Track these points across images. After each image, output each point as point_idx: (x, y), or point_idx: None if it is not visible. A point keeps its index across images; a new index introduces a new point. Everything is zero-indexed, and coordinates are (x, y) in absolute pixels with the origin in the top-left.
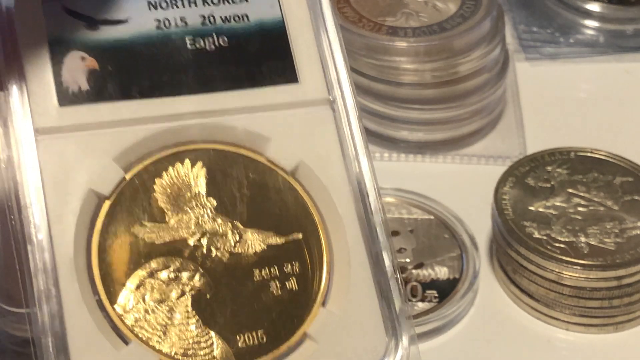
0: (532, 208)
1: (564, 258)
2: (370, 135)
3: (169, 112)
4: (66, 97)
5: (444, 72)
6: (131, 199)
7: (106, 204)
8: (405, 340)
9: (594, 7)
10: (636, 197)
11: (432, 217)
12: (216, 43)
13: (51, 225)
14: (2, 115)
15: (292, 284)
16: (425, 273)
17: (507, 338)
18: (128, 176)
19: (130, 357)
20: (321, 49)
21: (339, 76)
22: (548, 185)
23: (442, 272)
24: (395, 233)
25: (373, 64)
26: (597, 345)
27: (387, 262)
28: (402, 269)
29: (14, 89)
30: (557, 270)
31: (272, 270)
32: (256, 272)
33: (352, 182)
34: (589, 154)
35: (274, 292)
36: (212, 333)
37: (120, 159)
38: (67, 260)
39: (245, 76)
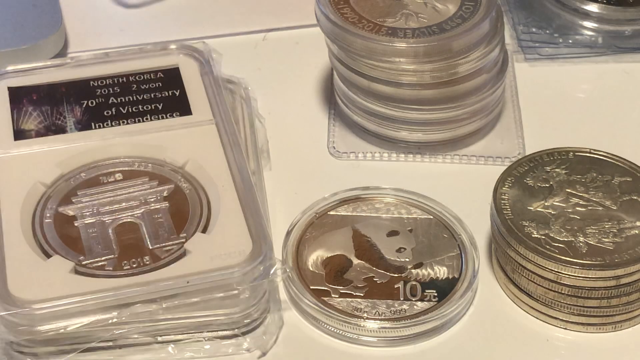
0: (531, 208)
1: (563, 258)
2: (370, 135)
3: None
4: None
5: (443, 73)
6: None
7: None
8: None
9: (593, 8)
10: (635, 197)
11: (431, 216)
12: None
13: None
14: None
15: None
16: (425, 272)
17: (506, 337)
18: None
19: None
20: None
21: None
22: (547, 185)
23: (441, 272)
24: (394, 233)
25: (372, 65)
26: (596, 344)
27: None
28: (402, 268)
29: None
30: (555, 269)
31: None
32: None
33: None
34: (587, 154)
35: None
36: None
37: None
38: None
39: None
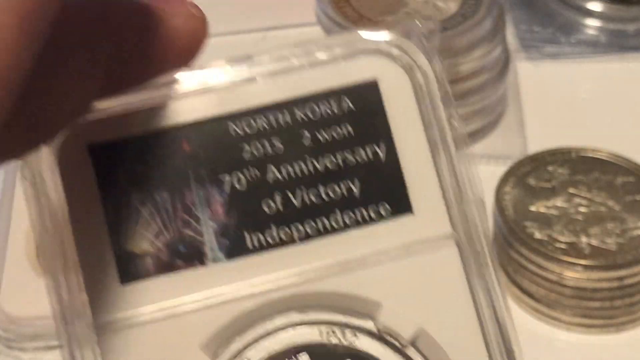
0: (533, 208)
1: (565, 259)
2: None
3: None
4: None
5: (444, 72)
6: None
7: None
8: None
9: (596, 7)
10: (638, 198)
11: None
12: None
13: None
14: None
15: None
16: None
17: None
18: None
19: None
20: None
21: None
22: (549, 185)
23: None
24: None
25: None
26: (599, 346)
27: None
28: None
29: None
30: (558, 270)
31: None
32: None
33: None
34: (590, 154)
35: None
36: None
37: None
38: None
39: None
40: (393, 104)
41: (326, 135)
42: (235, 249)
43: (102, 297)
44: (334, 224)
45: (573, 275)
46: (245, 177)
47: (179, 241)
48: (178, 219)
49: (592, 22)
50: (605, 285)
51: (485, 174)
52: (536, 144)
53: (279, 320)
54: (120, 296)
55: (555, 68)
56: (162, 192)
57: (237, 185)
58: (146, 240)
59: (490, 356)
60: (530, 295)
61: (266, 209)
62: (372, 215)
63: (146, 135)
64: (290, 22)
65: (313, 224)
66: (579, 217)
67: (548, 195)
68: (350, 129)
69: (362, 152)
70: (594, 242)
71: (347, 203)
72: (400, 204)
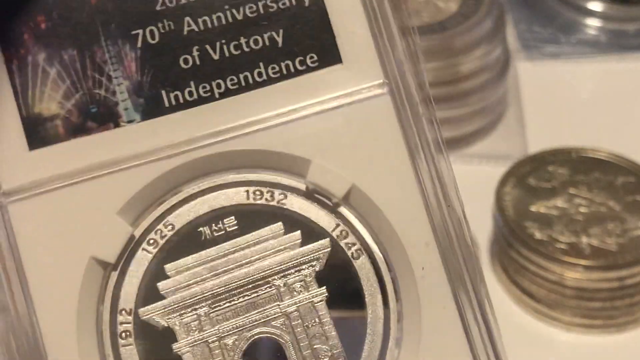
0: (533, 208)
1: (566, 259)
2: None
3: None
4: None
5: (444, 72)
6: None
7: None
8: None
9: (596, 6)
10: (638, 198)
11: None
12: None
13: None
14: None
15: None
16: None
17: (508, 339)
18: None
19: None
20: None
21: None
22: (549, 185)
23: None
24: None
25: None
26: (599, 346)
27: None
28: None
29: None
30: (558, 271)
31: None
32: None
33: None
34: (590, 154)
35: None
36: None
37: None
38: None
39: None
40: None
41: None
42: (151, 108)
43: (9, 164)
44: (257, 77)
45: (573, 276)
46: (159, 30)
47: (91, 102)
48: (88, 78)
49: (592, 22)
50: (605, 285)
51: (485, 174)
52: (536, 144)
53: (202, 183)
54: (29, 162)
55: (555, 68)
56: (70, 50)
57: (150, 40)
58: (55, 102)
59: (428, 214)
60: (530, 295)
61: (183, 64)
62: (298, 66)
63: None
64: None
65: (234, 78)
66: (580, 218)
67: (548, 195)
68: None
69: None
70: (595, 242)
71: (271, 54)
72: (328, 54)
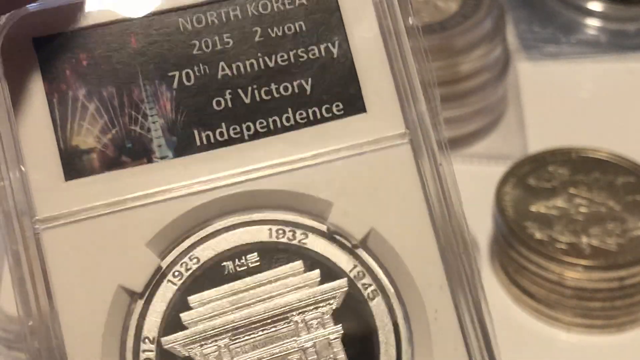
0: (533, 208)
1: (566, 259)
2: None
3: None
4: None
5: (444, 72)
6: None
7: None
8: None
9: (596, 6)
10: (638, 198)
11: None
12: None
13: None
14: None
15: None
16: None
17: (508, 339)
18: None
19: None
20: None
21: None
22: (549, 185)
23: None
24: None
25: None
26: (599, 346)
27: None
28: None
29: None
30: (558, 271)
31: None
32: None
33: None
34: (590, 154)
35: None
36: None
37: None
38: None
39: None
40: (347, 0)
41: (278, 31)
42: (183, 146)
43: (46, 193)
44: (285, 122)
45: (573, 276)
46: (195, 73)
47: (126, 137)
48: (125, 115)
49: (592, 22)
50: (605, 285)
51: (485, 174)
52: (536, 144)
53: (228, 219)
54: (65, 192)
55: (555, 68)
56: (109, 88)
57: (185, 82)
58: (92, 136)
59: (442, 258)
60: (530, 295)
61: (216, 106)
62: (325, 114)
63: (93, 28)
64: None
65: (264, 121)
66: (580, 218)
67: (548, 195)
68: (302, 24)
69: (315, 49)
70: (595, 242)
71: (299, 101)
72: (354, 103)
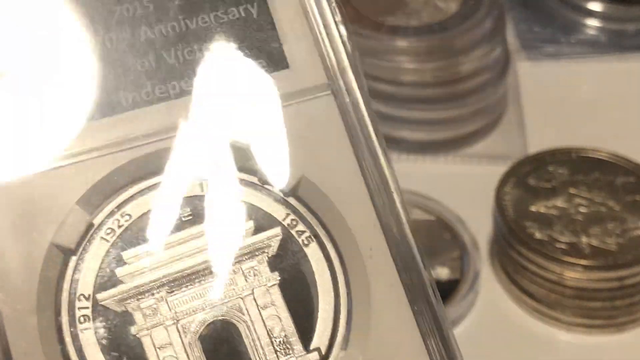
0: (533, 208)
1: (566, 259)
2: None
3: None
4: None
5: (444, 72)
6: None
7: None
8: None
9: (596, 7)
10: (638, 198)
11: (432, 217)
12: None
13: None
14: None
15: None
16: None
17: (508, 339)
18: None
19: None
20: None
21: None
22: (549, 185)
23: (443, 273)
24: None
25: (373, 64)
26: (599, 346)
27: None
28: None
29: None
30: (558, 271)
31: None
32: None
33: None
34: (590, 154)
35: None
36: None
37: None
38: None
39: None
40: None
41: None
42: (110, 106)
43: None
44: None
45: (573, 276)
46: (118, 36)
47: None
48: None
49: (592, 22)
50: (605, 285)
51: (485, 174)
52: (536, 144)
53: (159, 176)
54: None
55: (555, 68)
56: None
57: (108, 45)
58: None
59: (372, 200)
60: (530, 295)
61: (140, 67)
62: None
63: None
64: None
65: (188, 80)
66: (579, 218)
67: (548, 195)
68: None
69: (235, 10)
70: (594, 242)
71: (223, 60)
72: (276, 60)
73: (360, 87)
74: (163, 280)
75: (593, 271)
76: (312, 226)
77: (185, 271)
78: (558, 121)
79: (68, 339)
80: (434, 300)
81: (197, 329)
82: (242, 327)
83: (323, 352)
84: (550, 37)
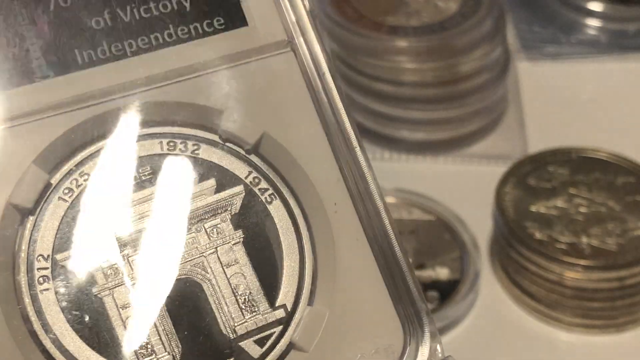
0: (533, 208)
1: (566, 259)
2: (371, 135)
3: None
4: None
5: (444, 72)
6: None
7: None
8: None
9: (596, 7)
10: (638, 198)
11: (433, 217)
12: None
13: None
14: None
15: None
16: (426, 274)
17: (508, 339)
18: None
19: None
20: None
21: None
22: (549, 185)
23: (443, 273)
24: None
25: (373, 64)
26: (599, 346)
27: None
28: None
29: None
30: (558, 271)
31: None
32: None
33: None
34: (590, 154)
35: None
36: None
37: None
38: None
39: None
40: None
41: None
42: (65, 65)
43: None
44: (167, 37)
45: (573, 276)
46: None
47: (4, 60)
48: (1, 37)
49: (592, 22)
50: (605, 285)
51: (485, 174)
52: (536, 144)
53: (118, 135)
54: None
55: (556, 68)
56: None
57: (62, 4)
58: None
59: (335, 155)
60: (530, 295)
61: (95, 25)
62: (206, 28)
63: None
64: None
65: (145, 38)
66: (580, 218)
67: (548, 195)
68: None
69: None
70: (595, 242)
71: (180, 18)
72: (234, 17)
73: (320, 44)
74: (125, 239)
75: (593, 271)
76: (274, 183)
77: (146, 230)
78: (558, 121)
79: (27, 300)
80: (399, 253)
81: (161, 287)
82: (206, 286)
83: (289, 308)
84: (550, 37)
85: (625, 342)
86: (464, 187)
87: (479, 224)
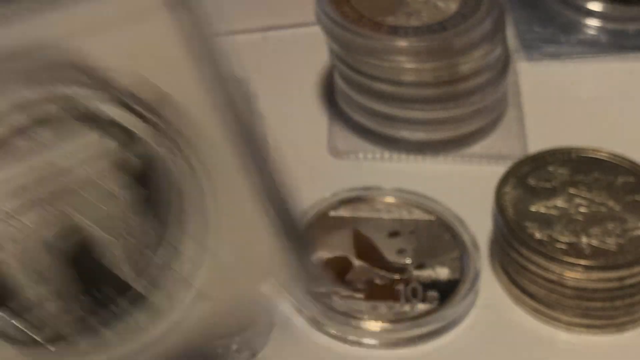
0: (533, 208)
1: (566, 259)
2: (371, 135)
3: None
4: None
5: (444, 72)
6: None
7: None
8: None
9: (596, 7)
10: (638, 198)
11: (432, 217)
12: None
13: None
14: None
15: None
16: (426, 274)
17: (508, 339)
18: None
19: None
20: None
21: None
22: (549, 185)
23: (442, 273)
24: (395, 234)
25: (373, 64)
26: (599, 346)
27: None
28: (403, 269)
29: None
30: (558, 271)
31: None
32: None
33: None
34: (590, 154)
35: None
36: None
37: None
38: None
39: None
40: None
41: None
42: None
43: None
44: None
45: (573, 276)
46: None
47: None
48: None
49: (592, 22)
50: (605, 285)
51: (485, 174)
52: (536, 144)
53: (12, 98)
54: None
55: (556, 68)
56: None
57: None
58: None
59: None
60: (530, 295)
61: None
62: None
63: None
64: (289, 22)
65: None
66: (579, 218)
67: (548, 195)
68: None
69: None
70: (595, 242)
71: None
72: None
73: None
74: (26, 203)
75: (593, 271)
76: (173, 141)
77: (52, 193)
78: (558, 121)
79: None
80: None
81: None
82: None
83: None
84: (550, 37)
85: (625, 342)
86: (464, 187)
87: (478, 224)
